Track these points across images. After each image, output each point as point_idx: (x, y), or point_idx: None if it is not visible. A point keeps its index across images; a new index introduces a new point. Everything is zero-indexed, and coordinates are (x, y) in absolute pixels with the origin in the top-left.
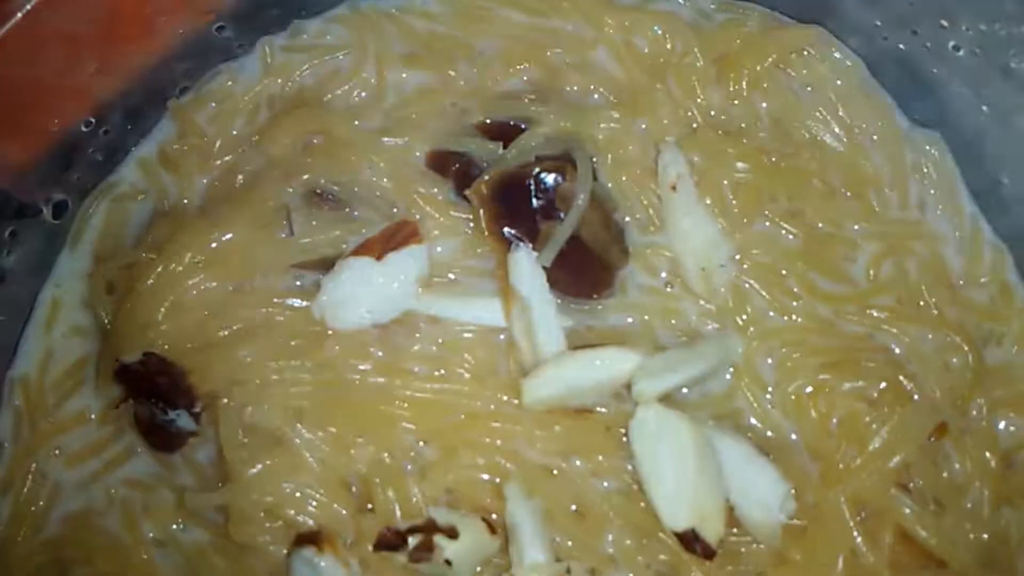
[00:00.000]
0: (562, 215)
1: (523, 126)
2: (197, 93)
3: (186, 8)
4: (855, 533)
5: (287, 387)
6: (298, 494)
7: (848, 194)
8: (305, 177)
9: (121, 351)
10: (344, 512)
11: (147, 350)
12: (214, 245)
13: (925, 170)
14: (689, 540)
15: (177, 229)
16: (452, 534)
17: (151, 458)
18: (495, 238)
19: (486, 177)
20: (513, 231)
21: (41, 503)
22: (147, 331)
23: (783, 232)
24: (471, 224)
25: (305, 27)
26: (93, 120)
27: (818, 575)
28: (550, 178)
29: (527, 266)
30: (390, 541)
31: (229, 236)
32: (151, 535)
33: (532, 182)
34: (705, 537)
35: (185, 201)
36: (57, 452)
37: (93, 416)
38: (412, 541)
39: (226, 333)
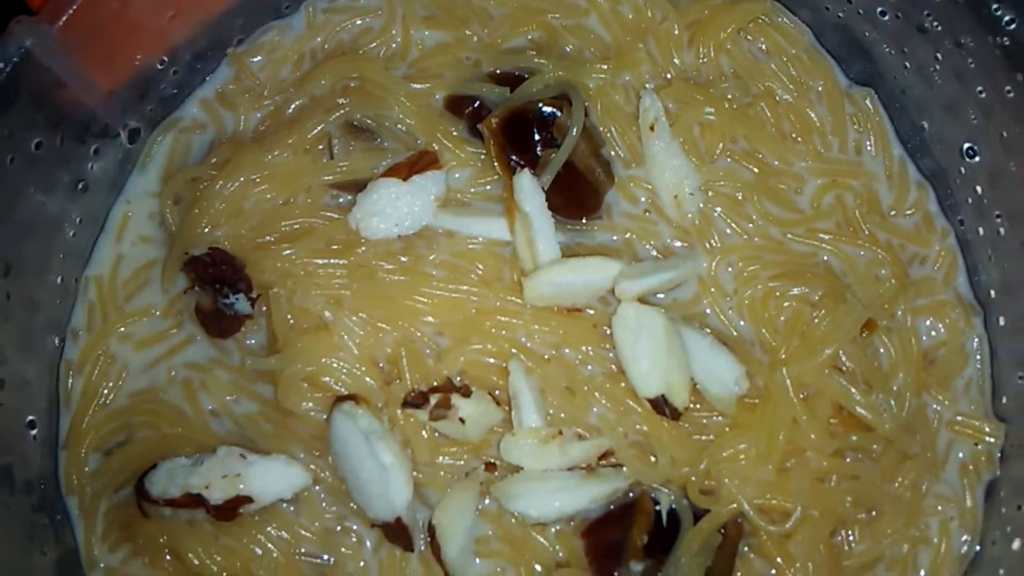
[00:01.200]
0: (559, 143)
1: (526, 76)
2: (251, 44)
3: None
4: (797, 406)
5: (328, 280)
6: (335, 365)
7: (797, 138)
8: (343, 112)
9: (189, 247)
10: (374, 383)
11: (212, 245)
12: (267, 166)
13: (861, 120)
14: (659, 405)
15: (236, 151)
16: (466, 393)
17: (208, 344)
18: (502, 165)
19: (495, 113)
20: (518, 159)
21: (110, 382)
22: (211, 232)
23: (742, 167)
24: (482, 156)
25: None
26: (166, 59)
27: (766, 440)
28: (548, 110)
29: (529, 186)
30: (415, 400)
31: (279, 158)
32: (209, 407)
33: (534, 117)
34: (673, 402)
35: (241, 129)
36: (125, 340)
37: (157, 312)
38: (433, 400)
39: (275, 236)
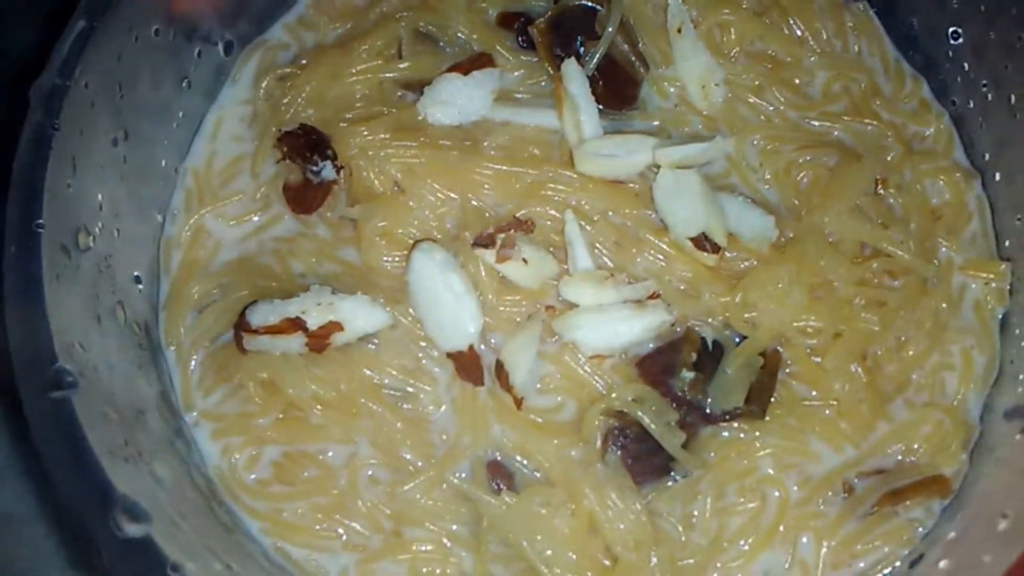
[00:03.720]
0: (599, 37)
1: None
2: None
3: None
4: (824, 243)
5: (401, 153)
6: (409, 220)
7: (809, 40)
8: (411, 21)
9: (281, 125)
10: (441, 237)
11: (302, 123)
12: (346, 63)
13: (858, 27)
14: (700, 242)
15: (319, 54)
16: (529, 229)
17: (293, 220)
18: (550, 61)
19: (543, 17)
20: (563, 53)
21: (206, 253)
22: (299, 115)
23: (759, 64)
24: (531, 61)
25: None
26: None
27: (797, 269)
28: (590, 4)
29: (575, 71)
30: (483, 240)
31: (357, 57)
32: (297, 270)
33: (578, 14)
34: (712, 238)
35: (321, 40)
36: (219, 218)
37: (247, 196)
38: (499, 240)
39: (353, 118)
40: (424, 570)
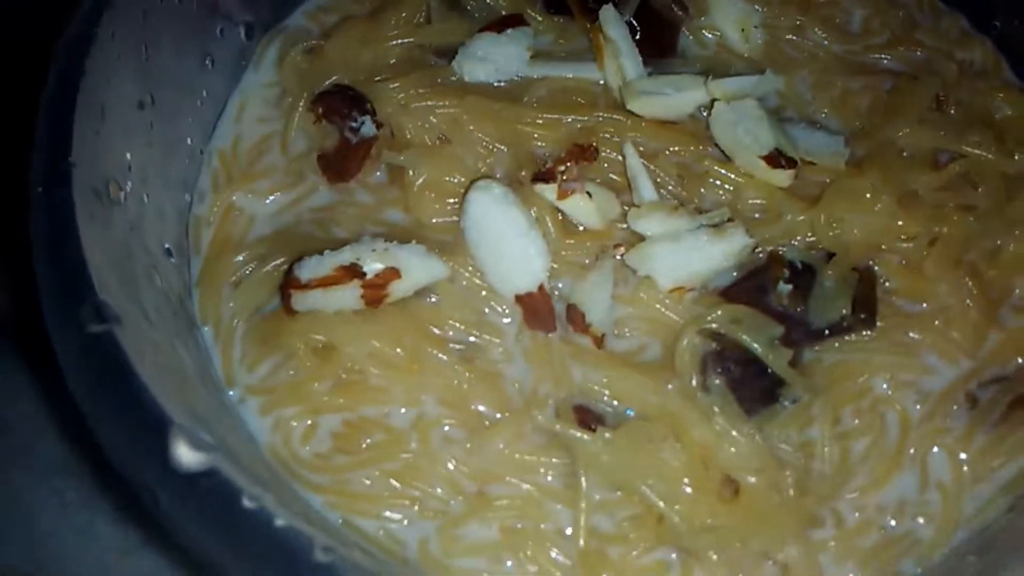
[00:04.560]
0: None
1: None
2: None
3: None
4: (899, 156)
5: (444, 104)
6: (459, 167)
7: None
8: None
9: (313, 90)
10: None
11: (335, 82)
12: (374, 28)
13: None
14: (775, 158)
15: (347, 24)
16: (592, 156)
17: (331, 191)
18: (586, 16)
19: None
20: (597, 5)
21: (239, 230)
22: (331, 76)
23: (792, 6)
24: (563, 22)
25: None
26: None
27: (881, 177)
28: None
29: (613, 15)
30: (544, 175)
31: (385, 23)
32: (341, 235)
33: None
34: (785, 152)
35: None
36: (250, 194)
37: (279, 171)
38: (559, 173)
39: (387, 76)
40: (519, 527)
